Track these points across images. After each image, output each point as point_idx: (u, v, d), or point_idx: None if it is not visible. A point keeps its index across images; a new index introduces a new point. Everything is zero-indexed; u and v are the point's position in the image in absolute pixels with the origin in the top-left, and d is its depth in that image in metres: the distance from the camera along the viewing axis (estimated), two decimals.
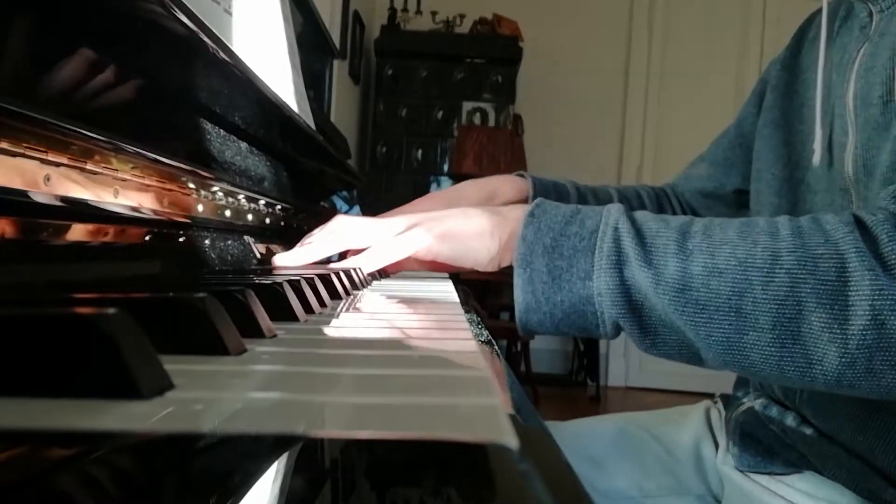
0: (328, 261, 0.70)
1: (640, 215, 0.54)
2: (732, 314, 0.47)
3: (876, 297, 0.44)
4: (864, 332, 0.44)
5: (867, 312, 0.44)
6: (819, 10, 0.73)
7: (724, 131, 0.91)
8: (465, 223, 0.60)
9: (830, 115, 0.68)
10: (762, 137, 0.79)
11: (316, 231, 0.69)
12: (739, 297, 0.47)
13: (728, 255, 0.48)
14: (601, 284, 0.50)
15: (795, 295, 0.46)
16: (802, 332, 0.46)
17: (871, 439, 0.61)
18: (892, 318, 0.44)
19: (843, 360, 0.45)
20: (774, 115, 0.79)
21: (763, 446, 0.72)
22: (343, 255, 0.71)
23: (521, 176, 0.87)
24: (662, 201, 0.94)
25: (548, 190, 0.86)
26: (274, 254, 0.69)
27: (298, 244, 0.69)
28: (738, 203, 0.88)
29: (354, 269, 0.66)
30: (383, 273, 0.93)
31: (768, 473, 0.71)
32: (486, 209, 0.61)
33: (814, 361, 0.46)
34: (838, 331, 0.45)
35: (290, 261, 0.67)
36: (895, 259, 0.45)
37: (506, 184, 0.85)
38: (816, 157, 0.68)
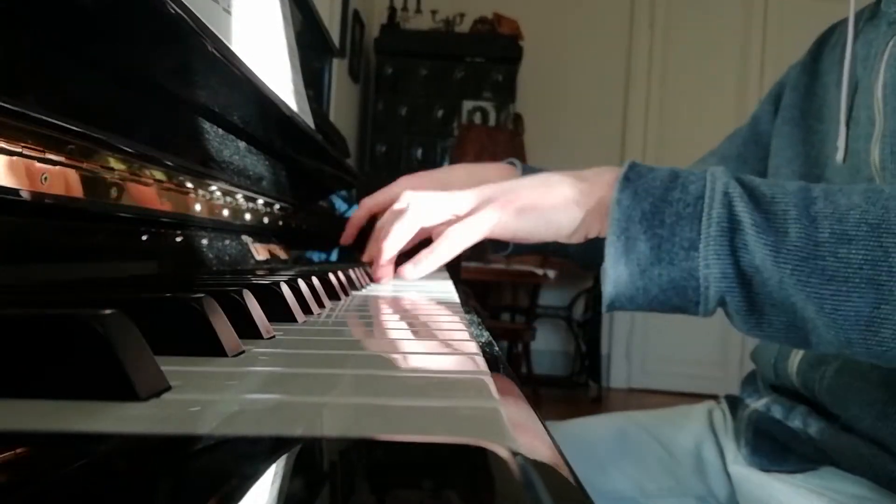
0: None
1: (750, 178, 0.49)
2: (864, 285, 0.43)
3: None
4: None
5: None
6: (840, 21, 0.74)
7: (736, 129, 0.91)
8: (545, 193, 0.54)
9: (850, 109, 0.68)
10: (781, 135, 0.80)
11: (384, 217, 0.63)
12: (873, 265, 0.43)
13: (858, 220, 0.44)
14: (709, 254, 0.46)
15: None
16: None
17: (891, 426, 0.60)
18: None
19: None
20: (793, 113, 0.79)
21: (777, 445, 0.71)
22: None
23: (512, 164, 0.87)
24: None
25: None
26: (272, 253, 0.68)
27: (372, 239, 0.64)
28: None
29: (353, 270, 0.66)
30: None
31: (783, 472, 0.70)
32: (569, 174, 0.55)
33: None
34: None
35: (415, 273, 0.59)
36: None
37: (495, 172, 0.85)
38: (840, 155, 0.67)
